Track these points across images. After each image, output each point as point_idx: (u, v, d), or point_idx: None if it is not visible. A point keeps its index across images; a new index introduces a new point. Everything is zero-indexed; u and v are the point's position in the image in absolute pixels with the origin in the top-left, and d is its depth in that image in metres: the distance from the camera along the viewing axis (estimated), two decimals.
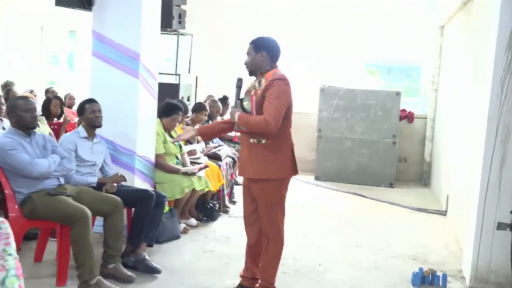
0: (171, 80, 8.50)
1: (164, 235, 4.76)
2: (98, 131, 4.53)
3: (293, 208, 6.40)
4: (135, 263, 4.07)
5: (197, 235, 5.14)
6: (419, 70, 9.30)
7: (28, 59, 10.51)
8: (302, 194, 7.40)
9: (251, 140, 3.46)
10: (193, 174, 5.10)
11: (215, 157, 6.07)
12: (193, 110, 6.26)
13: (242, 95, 3.55)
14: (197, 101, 7.56)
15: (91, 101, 4.35)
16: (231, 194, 6.45)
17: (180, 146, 5.35)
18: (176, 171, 5.07)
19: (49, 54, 11.06)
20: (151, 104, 4.89)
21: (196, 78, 8.99)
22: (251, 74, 3.53)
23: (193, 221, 5.40)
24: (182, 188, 5.01)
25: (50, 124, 6.01)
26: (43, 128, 5.55)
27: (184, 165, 5.33)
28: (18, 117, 3.77)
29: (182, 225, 5.15)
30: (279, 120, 3.33)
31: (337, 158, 8.22)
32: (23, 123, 3.79)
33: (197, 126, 6.13)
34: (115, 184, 4.19)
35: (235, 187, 6.70)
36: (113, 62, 4.60)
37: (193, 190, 5.20)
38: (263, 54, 3.46)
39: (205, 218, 5.61)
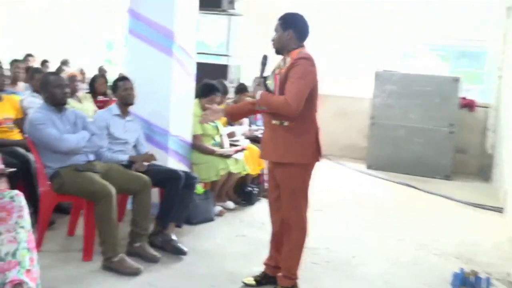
0: (222, 61, 8.50)
1: (197, 217, 4.73)
2: (133, 109, 4.55)
3: (336, 196, 6.26)
4: (163, 243, 4.04)
5: (232, 218, 5.07)
6: (485, 55, 8.73)
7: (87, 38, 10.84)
8: (349, 182, 7.19)
9: (273, 122, 3.31)
10: (228, 156, 5.02)
11: (256, 140, 5.95)
12: (236, 92, 6.16)
13: (267, 73, 3.39)
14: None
15: (123, 79, 4.36)
16: None
17: (218, 127, 5.27)
18: (211, 153, 5.01)
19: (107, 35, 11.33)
20: (187, 84, 4.83)
21: (245, 59, 8.90)
22: (277, 52, 3.37)
23: (230, 204, 5.33)
24: (218, 170, 4.96)
25: (96, 101, 6.12)
26: (88, 105, 5.65)
27: (222, 147, 5.27)
28: (49, 93, 3.83)
29: (218, 208, 5.09)
30: (301, 101, 3.15)
31: (390, 146, 7.88)
32: (54, 99, 3.83)
33: None
34: (145, 163, 4.17)
35: None
36: (148, 40, 4.58)
37: (230, 173, 5.13)
38: (290, 32, 3.28)
39: (243, 202, 5.52)
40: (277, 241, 3.55)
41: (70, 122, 3.93)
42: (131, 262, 3.62)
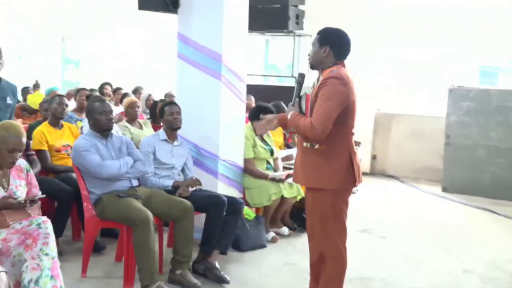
0: (289, 82, 8.39)
1: (248, 243, 4.60)
2: (182, 133, 4.56)
3: (404, 222, 5.88)
4: (205, 270, 3.96)
5: (285, 245, 4.89)
6: None
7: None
8: (421, 206, 6.74)
9: (304, 144, 3.14)
10: (281, 180, 4.87)
11: None
12: None
13: (302, 93, 3.23)
14: None
15: (170, 103, 4.38)
16: None
17: (272, 151, 5.15)
18: (264, 177, 4.89)
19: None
20: (237, 107, 4.76)
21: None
22: (312, 68, 3.20)
23: (284, 230, 5.16)
24: (270, 195, 4.81)
25: (157, 127, 6.22)
26: (148, 131, 5.76)
27: (276, 170, 5.14)
28: (94, 119, 3.91)
29: (271, 234, 4.95)
30: (328, 124, 2.94)
31: (469, 168, 7.32)
32: (99, 125, 3.91)
33: None
34: (190, 189, 4.13)
35: None
36: (196, 64, 4.58)
37: (284, 198, 4.98)
38: (326, 49, 3.10)
39: (299, 228, 5.32)
40: (315, 272, 3.35)
41: (115, 148, 3.99)
42: None
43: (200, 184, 4.25)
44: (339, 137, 3.07)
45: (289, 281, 4.08)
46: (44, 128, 4.73)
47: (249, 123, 5.12)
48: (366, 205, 6.52)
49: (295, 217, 5.40)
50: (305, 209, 5.23)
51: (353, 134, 3.18)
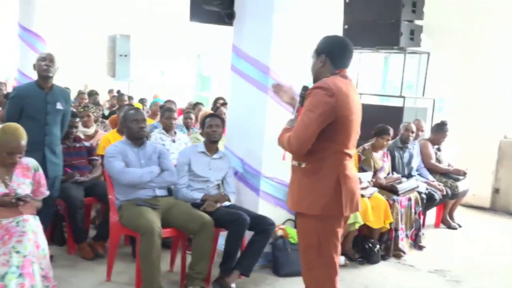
0: (396, 103, 7.81)
1: (287, 268, 4.32)
2: (231, 147, 4.48)
3: (499, 271, 4.97)
4: None
5: None
6: None
7: None
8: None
9: (293, 162, 2.84)
10: None
11: (391, 190, 5.21)
12: (374, 134, 5.52)
13: None
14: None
15: (211, 115, 4.32)
16: (416, 237, 5.42)
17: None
18: None
19: None
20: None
21: (434, 101, 7.97)
22: (314, 82, 2.89)
23: (340, 259, 4.70)
24: None
25: None
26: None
27: None
28: (127, 128, 4.02)
29: None
30: (305, 139, 2.63)
31: None
32: (130, 133, 4.01)
33: (378, 153, 5.44)
34: (217, 204, 4.00)
35: (428, 231, 5.67)
36: (246, 77, 4.46)
37: None
38: (322, 58, 2.79)
39: (359, 260, 4.85)
40: None
41: (146, 157, 4.04)
42: None
43: (229, 200, 4.10)
44: (327, 155, 2.72)
45: None
46: (110, 135, 5.00)
47: None
48: (461, 242, 5.76)
49: (358, 246, 4.94)
50: (369, 238, 4.85)
51: (347, 154, 2.78)
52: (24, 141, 3.18)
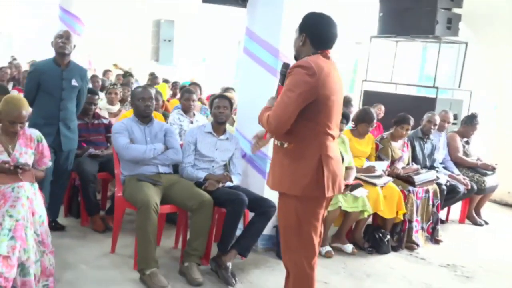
0: (430, 93, 7.62)
1: None
2: (241, 129, 4.52)
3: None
4: (216, 268, 3.86)
5: (336, 262, 4.45)
6: None
7: None
8: None
9: (275, 142, 2.84)
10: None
11: (407, 181, 5.10)
12: (394, 123, 5.41)
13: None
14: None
15: (220, 96, 4.37)
16: (433, 231, 5.28)
17: (342, 159, 4.71)
18: None
19: None
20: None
21: (470, 93, 7.72)
22: (295, 58, 2.88)
23: (347, 247, 4.71)
24: None
25: None
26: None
27: (345, 180, 4.70)
28: (134, 105, 4.13)
29: (326, 248, 4.56)
30: (284, 119, 2.62)
31: None
32: (137, 110, 4.12)
33: (398, 142, 5.33)
34: (219, 184, 4.05)
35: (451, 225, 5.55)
36: (257, 59, 4.45)
37: (347, 212, 4.56)
38: (303, 37, 2.77)
39: (369, 249, 4.79)
40: None
41: (152, 134, 4.13)
42: (161, 279, 3.57)
43: (231, 181, 4.13)
44: (309, 136, 2.71)
45: None
46: (129, 114, 5.12)
47: None
48: (483, 239, 5.59)
49: (369, 236, 4.88)
50: (381, 228, 4.78)
51: (329, 135, 2.76)
52: (25, 111, 3.32)
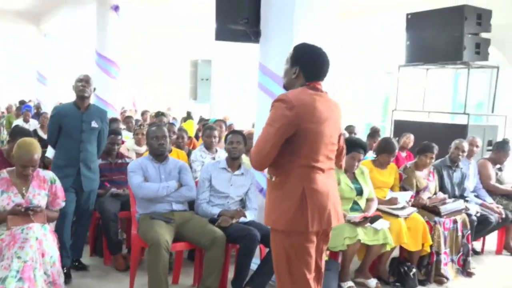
0: (456, 120, 7.39)
1: None
2: None
3: None
4: None
5: None
6: None
7: None
8: None
9: (267, 176, 2.76)
10: (358, 224, 4.29)
11: (433, 211, 4.88)
12: (417, 152, 5.23)
13: None
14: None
15: (233, 132, 4.35)
16: (464, 263, 5.00)
17: (361, 191, 4.58)
18: None
19: None
20: None
21: (505, 118, 7.43)
22: (284, 88, 2.82)
23: (372, 282, 4.50)
24: (344, 239, 4.29)
25: None
26: None
27: (365, 212, 4.55)
28: (148, 144, 4.16)
29: (348, 284, 4.38)
30: (264, 154, 2.57)
31: None
32: (151, 149, 4.15)
33: (423, 172, 5.14)
34: (233, 220, 3.99)
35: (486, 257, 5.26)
36: (270, 93, 4.44)
37: (369, 246, 4.38)
38: (296, 70, 2.71)
39: (396, 284, 4.57)
40: None
41: (166, 172, 4.14)
42: None
43: (245, 216, 4.06)
44: (291, 169, 2.63)
45: None
46: None
47: None
48: None
49: (394, 269, 4.67)
50: (406, 261, 4.57)
51: (315, 167, 2.65)
52: (37, 155, 3.39)
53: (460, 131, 7.08)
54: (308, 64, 2.70)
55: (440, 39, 7.23)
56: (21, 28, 14.62)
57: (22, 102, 13.73)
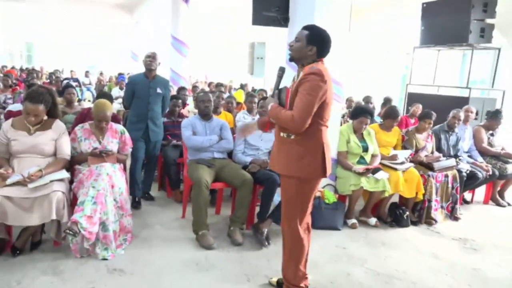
0: (462, 93, 6.99)
1: (319, 223, 4.18)
2: None
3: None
4: (255, 232, 3.84)
5: (359, 233, 4.23)
6: None
7: None
8: None
9: (281, 134, 2.72)
10: (361, 173, 4.24)
11: (428, 166, 4.73)
12: (419, 118, 5.03)
13: (282, 86, 2.81)
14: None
15: (263, 98, 4.31)
16: (452, 210, 4.84)
17: (366, 148, 4.49)
18: (348, 168, 4.34)
19: None
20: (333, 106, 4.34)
21: (503, 92, 6.96)
22: (291, 60, 2.73)
23: (371, 220, 4.47)
24: (350, 186, 4.26)
25: None
26: None
27: (370, 165, 4.47)
28: (197, 106, 4.23)
29: (352, 221, 4.37)
30: (307, 118, 2.51)
31: None
32: (199, 110, 4.22)
33: (422, 134, 4.97)
34: (258, 166, 4.04)
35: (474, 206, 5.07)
36: (296, 69, 4.35)
37: (371, 192, 4.33)
38: (313, 48, 2.64)
39: (391, 223, 4.51)
40: None
41: (211, 128, 4.22)
42: (209, 239, 3.63)
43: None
44: (314, 130, 2.62)
45: (324, 258, 3.57)
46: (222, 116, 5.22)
47: (351, 121, 4.59)
48: (502, 218, 5.03)
49: (391, 212, 4.60)
50: (402, 206, 4.49)
51: (326, 126, 2.66)
52: (109, 112, 3.54)
53: (463, 102, 6.71)
54: (324, 44, 2.63)
55: (450, 24, 6.80)
56: (118, 16, 14.96)
57: (119, 74, 14.20)
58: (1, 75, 9.70)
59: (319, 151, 2.61)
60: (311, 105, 2.50)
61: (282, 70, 2.75)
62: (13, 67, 15.92)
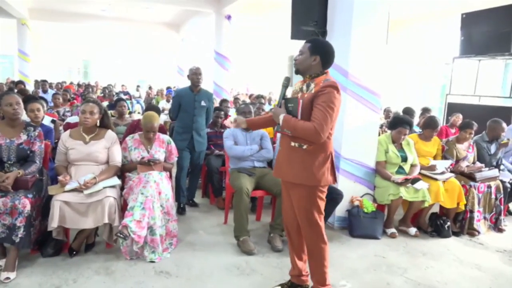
0: (505, 102, 6.67)
1: (357, 231, 4.12)
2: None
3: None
4: None
5: (399, 242, 4.10)
6: None
7: None
8: None
9: (292, 144, 2.63)
10: (400, 184, 4.12)
11: (470, 177, 4.53)
12: (460, 128, 4.84)
13: (287, 96, 2.71)
14: None
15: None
16: (496, 221, 4.60)
17: (405, 158, 4.36)
18: (387, 178, 4.24)
19: None
20: (366, 116, 4.25)
21: None
22: (297, 72, 2.69)
23: (411, 230, 4.32)
24: (388, 195, 4.15)
25: None
26: None
27: (409, 175, 4.34)
28: None
29: (391, 230, 4.25)
30: (328, 129, 2.50)
31: None
32: None
33: (463, 144, 4.78)
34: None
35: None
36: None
37: (411, 201, 4.20)
38: (316, 58, 2.60)
39: (432, 233, 4.35)
40: (296, 250, 2.94)
41: (251, 138, 4.25)
42: (250, 244, 3.62)
43: None
44: (326, 140, 2.59)
45: (363, 267, 3.48)
46: None
47: (389, 132, 4.49)
48: None
49: (432, 222, 4.43)
50: (443, 216, 4.33)
51: (331, 135, 2.66)
52: (156, 123, 3.65)
53: (505, 112, 6.43)
54: (326, 55, 2.60)
55: (491, 34, 6.56)
56: (166, 34, 15.44)
57: (167, 88, 14.61)
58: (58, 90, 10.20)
59: (328, 160, 2.62)
60: (332, 117, 2.49)
61: (287, 80, 2.69)
62: (71, 83, 16.77)
